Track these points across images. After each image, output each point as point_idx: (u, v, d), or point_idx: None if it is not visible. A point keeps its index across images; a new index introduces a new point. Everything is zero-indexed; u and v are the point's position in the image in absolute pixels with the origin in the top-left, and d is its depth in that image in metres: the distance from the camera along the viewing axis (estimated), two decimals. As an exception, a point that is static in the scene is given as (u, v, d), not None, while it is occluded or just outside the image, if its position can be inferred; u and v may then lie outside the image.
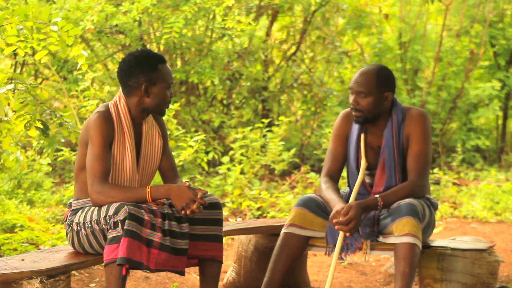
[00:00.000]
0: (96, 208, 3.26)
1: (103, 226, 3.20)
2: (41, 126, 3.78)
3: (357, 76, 3.66)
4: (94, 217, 3.25)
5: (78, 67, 4.24)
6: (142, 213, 3.17)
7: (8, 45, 4.02)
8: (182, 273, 3.29)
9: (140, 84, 3.34)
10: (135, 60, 3.35)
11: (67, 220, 3.40)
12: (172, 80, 3.40)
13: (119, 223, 3.12)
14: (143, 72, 3.33)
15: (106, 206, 3.22)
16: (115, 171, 3.34)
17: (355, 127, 3.77)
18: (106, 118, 3.32)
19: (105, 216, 3.19)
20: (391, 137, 3.68)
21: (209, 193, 3.39)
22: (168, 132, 6.75)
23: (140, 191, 3.24)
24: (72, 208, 3.41)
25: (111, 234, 3.15)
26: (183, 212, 3.23)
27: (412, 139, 3.67)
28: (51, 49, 3.99)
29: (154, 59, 3.36)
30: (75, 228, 3.33)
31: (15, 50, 4.07)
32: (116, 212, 3.15)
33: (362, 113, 3.65)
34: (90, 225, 3.26)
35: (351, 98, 3.67)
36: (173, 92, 3.42)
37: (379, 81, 3.64)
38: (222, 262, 3.45)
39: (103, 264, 3.42)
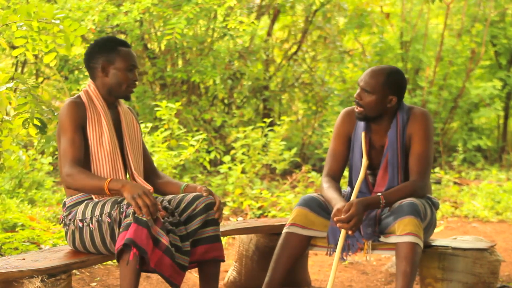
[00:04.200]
0: (110, 201, 3.24)
1: (118, 216, 3.17)
2: (39, 124, 3.80)
3: (368, 73, 3.67)
4: (107, 209, 3.23)
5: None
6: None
7: (13, 47, 4.01)
8: (177, 287, 3.28)
9: (99, 64, 3.41)
10: (95, 44, 3.44)
11: (64, 219, 3.39)
12: (134, 63, 3.43)
13: (132, 213, 3.11)
14: (101, 53, 3.41)
15: (120, 199, 3.21)
16: (94, 149, 3.34)
17: (359, 126, 3.76)
18: (75, 102, 3.36)
19: (120, 207, 3.17)
20: (395, 137, 3.68)
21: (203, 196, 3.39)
22: (170, 132, 6.75)
23: (101, 180, 3.21)
24: (67, 205, 3.40)
25: (124, 223, 3.12)
26: (133, 202, 3.10)
27: (414, 139, 3.67)
28: (60, 51, 3.99)
29: (113, 42, 3.43)
30: (79, 225, 3.31)
31: (22, 53, 4.06)
32: (130, 204, 3.14)
33: (363, 109, 3.66)
34: (100, 218, 3.24)
35: (357, 92, 3.69)
36: (137, 76, 3.46)
37: (387, 83, 3.63)
38: (223, 261, 3.43)
39: (104, 263, 3.41)
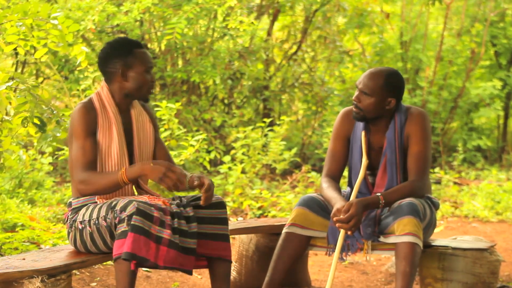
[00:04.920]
0: (105, 205, 3.25)
1: (113, 221, 3.18)
2: (39, 123, 3.80)
3: (366, 75, 3.67)
4: (102, 213, 3.23)
5: (77, 62, 4.26)
6: (152, 210, 3.15)
7: (7, 43, 4.03)
8: (189, 272, 3.27)
9: (117, 68, 3.35)
10: (110, 47, 3.39)
11: (68, 220, 3.39)
12: (151, 64, 3.39)
13: (126, 219, 3.11)
14: (119, 57, 3.35)
15: (114, 203, 3.21)
16: (102, 158, 3.33)
17: (358, 127, 3.77)
18: (87, 108, 3.32)
19: (114, 212, 3.18)
20: (394, 138, 3.68)
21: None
22: (170, 132, 6.75)
23: (114, 174, 3.21)
24: (72, 207, 3.40)
25: (119, 229, 3.13)
26: (163, 184, 3.16)
27: (412, 139, 3.67)
28: (51, 47, 4.00)
29: (129, 44, 3.38)
30: (79, 227, 3.31)
31: (15, 49, 4.07)
32: (124, 209, 3.14)
33: (361, 111, 3.67)
34: (97, 221, 3.24)
35: (355, 94, 3.68)
36: (154, 77, 3.42)
37: (386, 85, 3.63)
38: (231, 262, 3.44)
39: (104, 263, 3.41)
